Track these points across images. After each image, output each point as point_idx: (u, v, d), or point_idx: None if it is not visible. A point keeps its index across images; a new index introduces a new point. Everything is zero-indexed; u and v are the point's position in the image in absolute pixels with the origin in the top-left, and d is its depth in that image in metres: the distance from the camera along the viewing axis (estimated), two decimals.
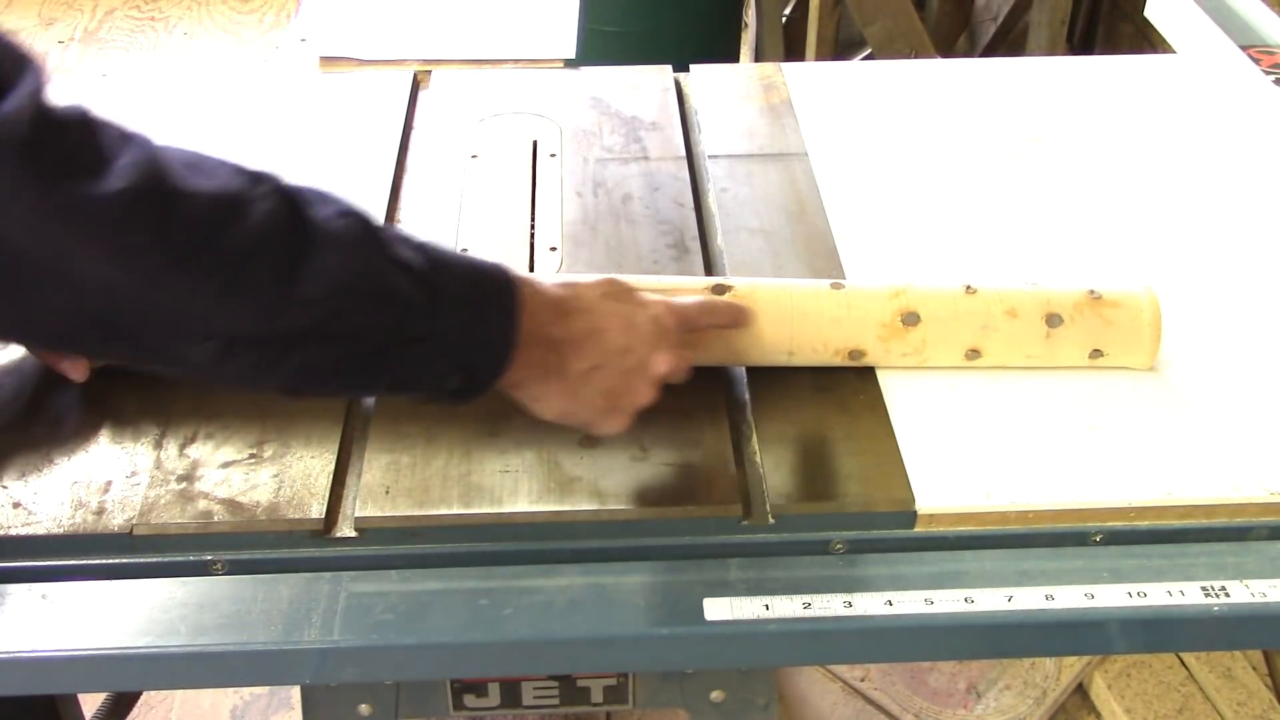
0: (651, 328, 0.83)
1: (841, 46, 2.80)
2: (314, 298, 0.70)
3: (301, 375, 0.75)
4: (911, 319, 0.93)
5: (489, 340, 0.77)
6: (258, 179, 0.72)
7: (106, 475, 0.88)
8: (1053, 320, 0.93)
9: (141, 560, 0.84)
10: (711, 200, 1.17)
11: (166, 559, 0.84)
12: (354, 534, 0.85)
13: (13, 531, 0.84)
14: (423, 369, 0.76)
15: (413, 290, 0.73)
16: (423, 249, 0.75)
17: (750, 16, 2.73)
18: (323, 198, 0.73)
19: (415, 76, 1.37)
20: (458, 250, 0.78)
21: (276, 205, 0.71)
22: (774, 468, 0.88)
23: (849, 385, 0.94)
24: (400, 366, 0.75)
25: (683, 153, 1.23)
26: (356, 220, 0.73)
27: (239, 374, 0.74)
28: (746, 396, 0.95)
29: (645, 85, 1.34)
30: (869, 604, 0.82)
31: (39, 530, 0.84)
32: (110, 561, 0.84)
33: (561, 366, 0.80)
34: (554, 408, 0.83)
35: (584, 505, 0.85)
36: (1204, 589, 0.83)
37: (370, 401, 0.94)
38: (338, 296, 0.71)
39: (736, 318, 0.91)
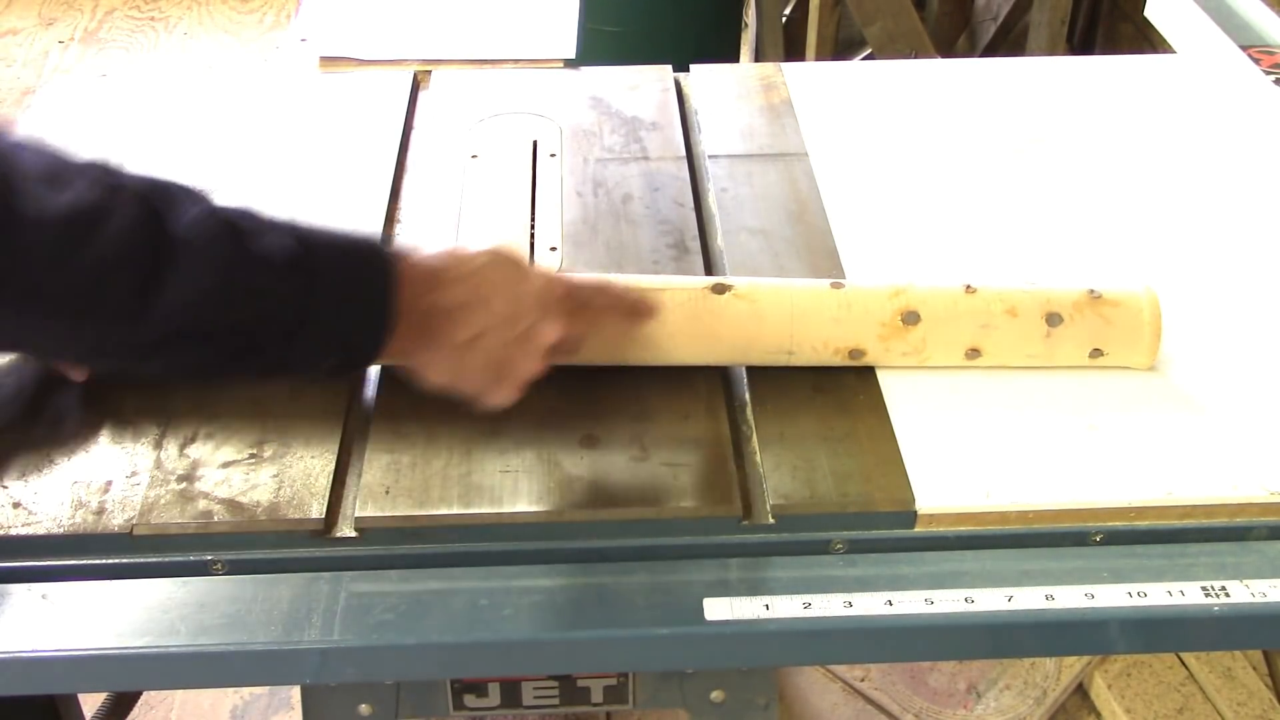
0: (537, 297, 0.81)
1: (841, 46, 2.80)
2: (174, 310, 0.69)
3: (169, 370, 0.78)
4: (911, 318, 0.93)
5: (365, 320, 0.76)
6: (117, 187, 0.70)
7: (106, 475, 0.88)
8: (1053, 319, 0.93)
9: (141, 560, 0.84)
10: (711, 200, 1.17)
11: (166, 559, 0.84)
12: (354, 534, 0.85)
13: (13, 531, 0.84)
14: (298, 354, 0.76)
15: (283, 283, 0.72)
16: (294, 233, 0.74)
17: (750, 16, 2.73)
18: (187, 196, 0.72)
19: (415, 76, 1.37)
20: (341, 228, 0.77)
21: (133, 218, 0.69)
22: (774, 468, 0.88)
23: (849, 385, 0.94)
24: (275, 354, 0.75)
25: (683, 153, 1.23)
26: (219, 221, 0.71)
27: (108, 367, 0.78)
28: (746, 396, 0.95)
29: (645, 85, 1.34)
30: (869, 604, 0.82)
31: (39, 530, 0.84)
32: (110, 561, 0.84)
33: (443, 335, 0.79)
34: (440, 376, 0.82)
35: (584, 505, 0.85)
36: (1204, 589, 0.83)
37: (370, 401, 0.94)
38: (200, 305, 0.70)
39: (638, 308, 0.89)
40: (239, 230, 0.72)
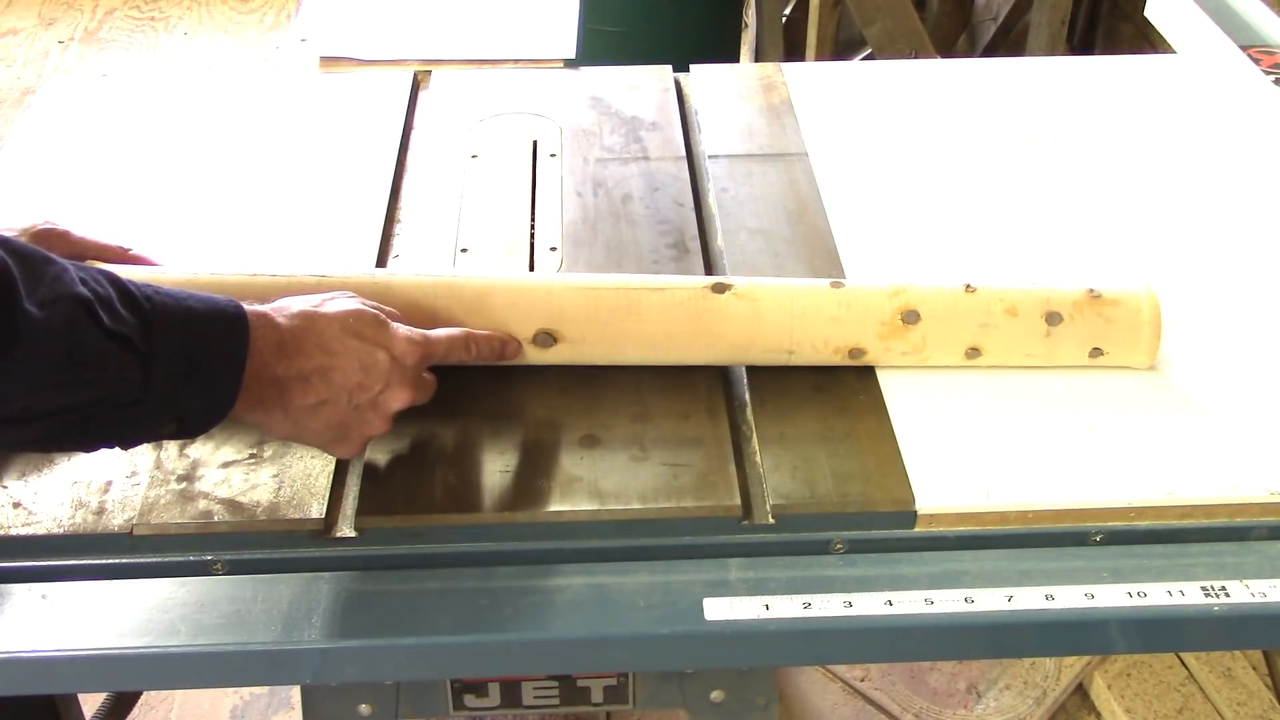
0: (388, 366, 0.82)
1: (841, 46, 2.80)
2: (12, 394, 0.68)
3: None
4: (911, 317, 0.93)
5: (206, 398, 0.75)
6: None
7: (106, 475, 0.88)
8: (1052, 319, 0.93)
9: (141, 560, 0.84)
10: (711, 200, 1.17)
11: (166, 559, 0.84)
12: (354, 534, 0.85)
13: (13, 531, 0.84)
14: (133, 429, 0.75)
15: (124, 363, 0.71)
16: (141, 308, 0.72)
17: (750, 16, 2.73)
18: (43, 274, 0.69)
19: (415, 76, 1.37)
20: (199, 296, 0.76)
21: None
22: (774, 468, 0.88)
23: (849, 385, 0.94)
24: (110, 429, 0.74)
25: (683, 153, 1.23)
26: (70, 300, 0.69)
27: None
28: (746, 396, 0.95)
29: (645, 85, 1.34)
30: (869, 604, 0.82)
31: (39, 530, 0.84)
32: (110, 561, 0.84)
33: (285, 402, 0.79)
34: (278, 434, 0.82)
35: (584, 505, 0.85)
36: (1204, 589, 0.83)
37: None
38: (38, 389, 0.69)
39: (502, 352, 0.90)
40: (89, 306, 0.70)
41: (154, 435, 0.77)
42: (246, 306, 0.77)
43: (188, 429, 0.76)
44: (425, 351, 0.85)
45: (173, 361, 0.73)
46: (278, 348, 0.78)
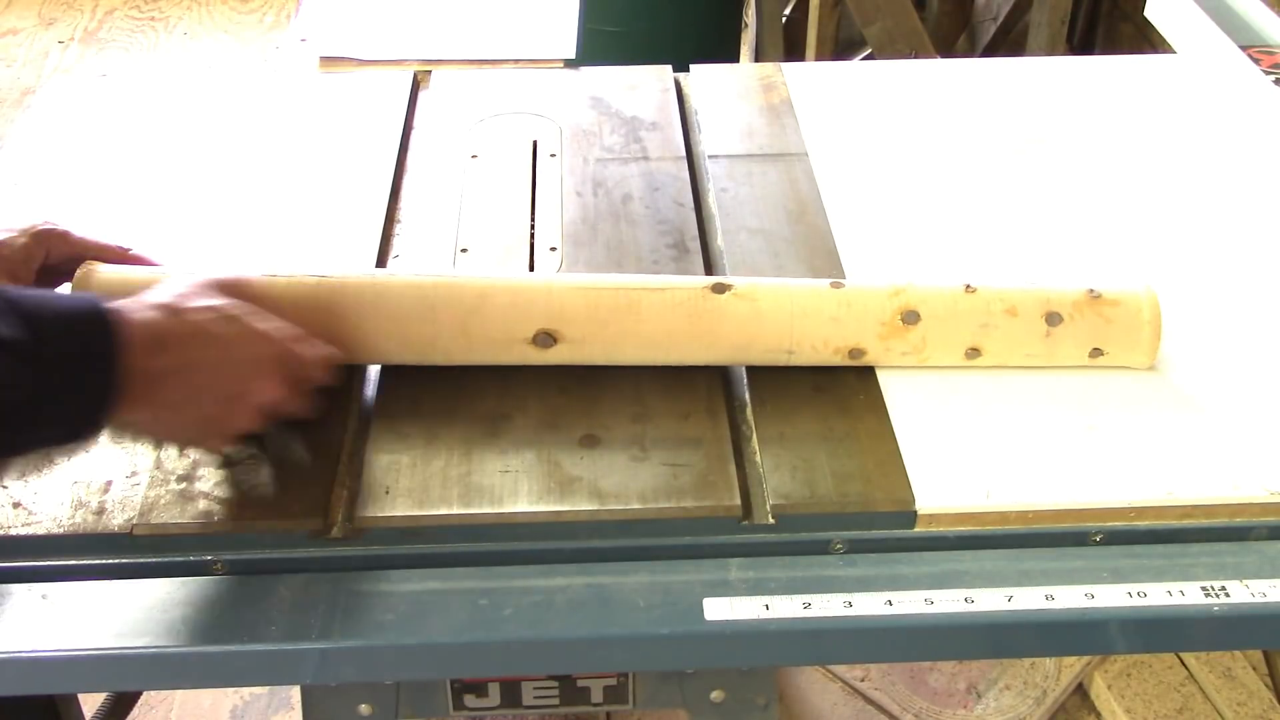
0: (253, 359, 0.81)
1: (841, 46, 2.80)
2: None
3: None
4: (911, 317, 0.93)
5: (94, 398, 0.75)
6: None
7: (106, 475, 0.88)
8: (1052, 319, 0.93)
9: (141, 560, 0.84)
10: (711, 200, 1.17)
11: (166, 559, 0.84)
12: (354, 534, 0.85)
13: (13, 531, 0.84)
14: (25, 437, 0.74)
15: (15, 372, 0.70)
16: (26, 315, 0.72)
17: (750, 16, 2.73)
18: None
19: (415, 76, 1.37)
20: (60, 295, 0.77)
21: None
22: (774, 468, 0.88)
23: (849, 385, 0.94)
24: (4, 442, 0.74)
25: (683, 153, 1.23)
26: None
27: None
28: (746, 396, 0.95)
29: (645, 85, 1.34)
30: (869, 604, 0.82)
31: (39, 530, 0.84)
32: (110, 561, 0.84)
33: (159, 398, 0.78)
34: (150, 433, 0.82)
35: (584, 505, 0.85)
36: (1204, 589, 0.83)
37: (370, 401, 0.94)
38: None
39: (308, 400, 0.86)
40: None
41: (45, 443, 0.76)
42: (107, 303, 0.76)
43: (76, 433, 0.76)
44: (292, 347, 0.83)
45: (60, 364, 0.72)
46: (151, 340, 0.77)
